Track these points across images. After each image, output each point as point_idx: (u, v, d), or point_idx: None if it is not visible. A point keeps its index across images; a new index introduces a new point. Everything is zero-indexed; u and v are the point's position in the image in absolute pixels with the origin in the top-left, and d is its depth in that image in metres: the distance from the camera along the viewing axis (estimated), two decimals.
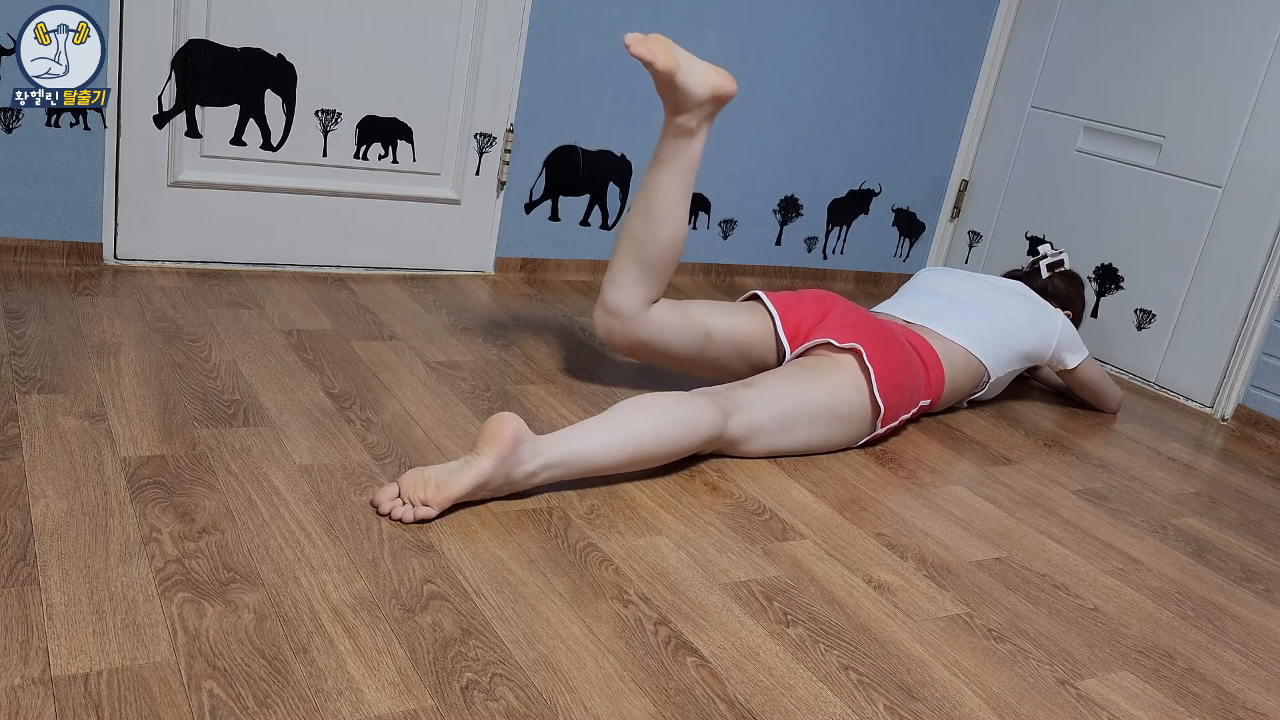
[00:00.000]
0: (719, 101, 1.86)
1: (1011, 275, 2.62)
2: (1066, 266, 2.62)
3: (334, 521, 1.43)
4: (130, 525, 1.34)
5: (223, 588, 1.24)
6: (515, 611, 1.30)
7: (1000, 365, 2.27)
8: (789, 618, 1.41)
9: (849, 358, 1.93)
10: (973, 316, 2.26)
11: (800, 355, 2.00)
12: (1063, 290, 2.58)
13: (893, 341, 2.00)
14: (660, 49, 1.77)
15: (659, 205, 1.88)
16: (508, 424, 1.50)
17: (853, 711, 1.24)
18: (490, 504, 1.54)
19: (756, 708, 1.21)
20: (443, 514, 1.48)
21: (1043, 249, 2.65)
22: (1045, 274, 2.58)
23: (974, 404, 2.40)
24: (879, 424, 1.97)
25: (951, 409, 2.33)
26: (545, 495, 1.60)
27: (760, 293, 2.09)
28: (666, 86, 1.81)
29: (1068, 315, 2.50)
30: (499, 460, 1.49)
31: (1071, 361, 2.40)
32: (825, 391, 1.89)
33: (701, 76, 1.82)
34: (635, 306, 1.93)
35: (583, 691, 1.18)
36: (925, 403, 2.12)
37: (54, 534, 1.29)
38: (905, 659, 1.36)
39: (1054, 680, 1.38)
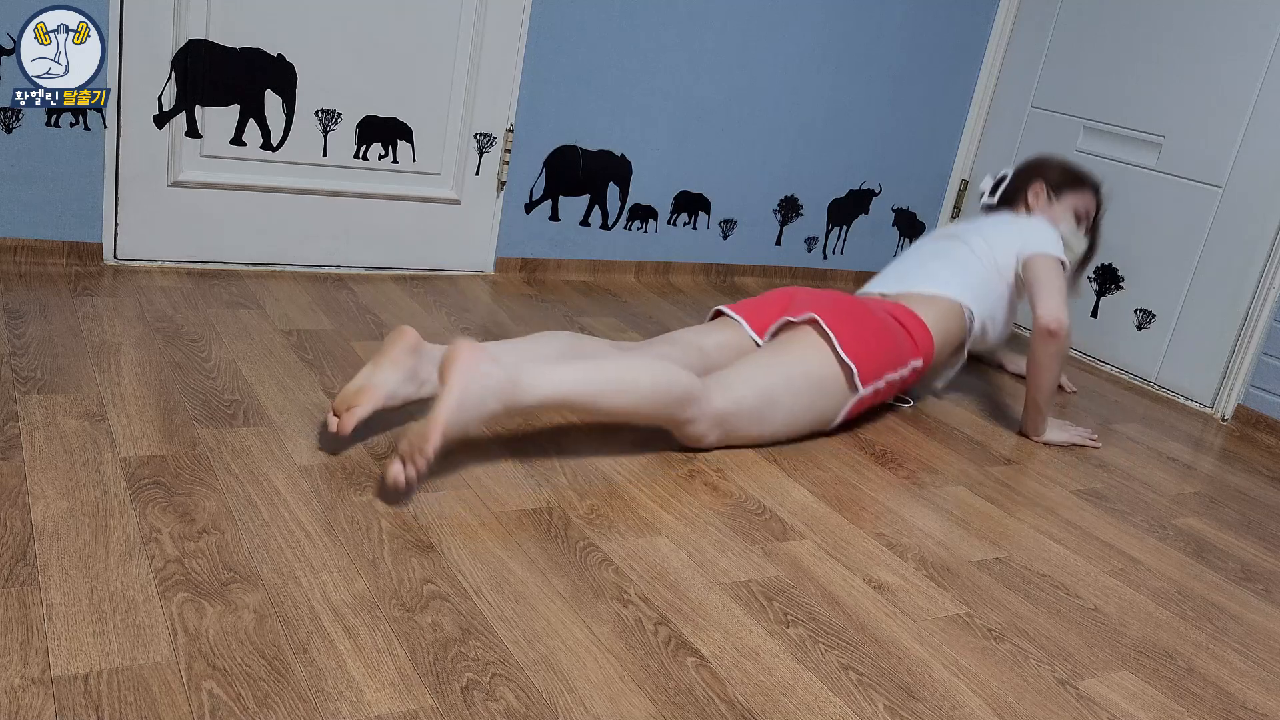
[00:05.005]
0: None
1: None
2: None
3: (334, 521, 1.43)
4: (130, 525, 1.34)
5: (223, 588, 1.24)
6: (515, 612, 1.30)
7: (978, 297, 2.23)
8: (789, 618, 1.41)
9: (807, 327, 1.99)
10: (936, 264, 2.27)
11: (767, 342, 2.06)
12: (1020, 178, 2.49)
13: (855, 306, 2.04)
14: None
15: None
16: (460, 348, 1.52)
17: (853, 711, 1.24)
18: (490, 504, 1.54)
19: (756, 708, 1.21)
20: (443, 479, 1.48)
21: (983, 184, 2.55)
22: (998, 193, 2.51)
23: (980, 358, 2.33)
24: (860, 384, 1.98)
25: (969, 364, 2.32)
26: (545, 495, 1.60)
27: (721, 308, 2.14)
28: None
29: (1042, 184, 2.45)
30: (460, 372, 1.49)
31: (1031, 249, 2.26)
32: (793, 359, 1.94)
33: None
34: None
35: (583, 692, 1.18)
36: (917, 362, 2.11)
37: (54, 534, 1.29)
38: (905, 659, 1.36)
39: (1054, 680, 1.38)
